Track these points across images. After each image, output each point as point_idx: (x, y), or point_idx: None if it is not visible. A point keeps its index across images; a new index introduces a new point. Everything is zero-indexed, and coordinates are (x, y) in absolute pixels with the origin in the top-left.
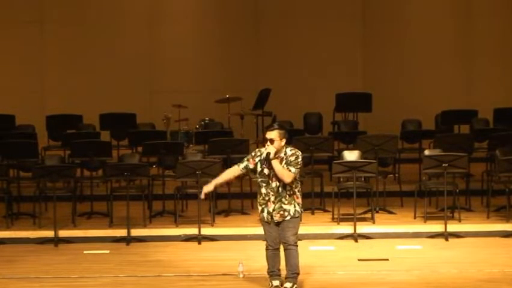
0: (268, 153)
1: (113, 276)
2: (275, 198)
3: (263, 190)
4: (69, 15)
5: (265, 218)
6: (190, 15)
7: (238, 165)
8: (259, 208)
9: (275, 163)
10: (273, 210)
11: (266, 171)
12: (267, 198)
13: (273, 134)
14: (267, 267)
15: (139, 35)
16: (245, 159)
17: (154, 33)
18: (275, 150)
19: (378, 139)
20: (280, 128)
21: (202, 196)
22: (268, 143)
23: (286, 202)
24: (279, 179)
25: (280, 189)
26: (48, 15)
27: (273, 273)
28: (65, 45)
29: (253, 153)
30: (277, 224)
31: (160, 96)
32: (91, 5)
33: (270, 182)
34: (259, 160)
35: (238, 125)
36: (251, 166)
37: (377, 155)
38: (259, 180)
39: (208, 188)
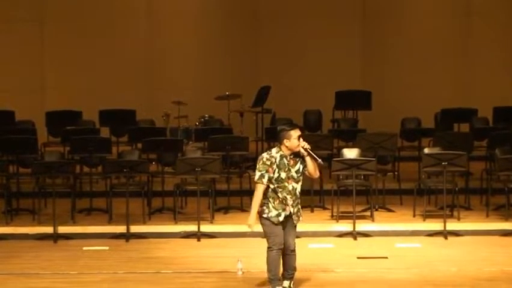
0: (308, 149)
1: (112, 273)
2: (293, 201)
3: (280, 195)
4: (69, 12)
5: (279, 222)
6: (190, 13)
7: (262, 182)
8: (274, 212)
9: (308, 159)
10: (293, 213)
11: (283, 174)
12: (284, 202)
13: (299, 131)
14: (269, 272)
15: (139, 31)
16: (263, 171)
17: (153, 30)
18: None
19: (377, 137)
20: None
21: (251, 228)
22: (301, 139)
23: (299, 204)
24: (295, 181)
25: (297, 190)
26: (48, 13)
27: (275, 277)
28: (65, 42)
29: (267, 162)
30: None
31: (160, 93)
32: (91, 2)
33: (287, 184)
34: (279, 162)
35: (238, 122)
36: (271, 175)
37: (377, 153)
38: (275, 186)
39: (252, 220)
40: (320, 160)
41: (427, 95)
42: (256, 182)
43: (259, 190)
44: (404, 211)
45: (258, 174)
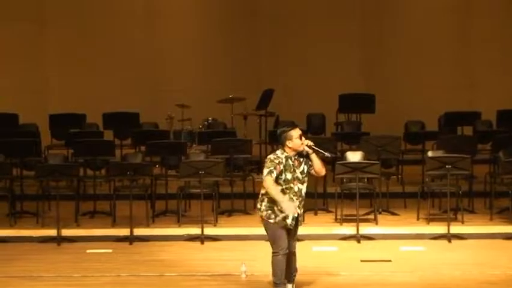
0: (312, 146)
1: (115, 276)
2: (300, 203)
3: (286, 197)
4: (72, 14)
5: (289, 225)
6: (194, 15)
7: (271, 176)
8: (281, 216)
9: (314, 156)
10: (300, 215)
11: (289, 175)
12: None
13: (299, 130)
14: (274, 276)
15: (143, 34)
16: (271, 167)
17: (157, 33)
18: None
19: (381, 140)
20: None
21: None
22: (303, 137)
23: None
24: (300, 182)
25: (303, 191)
26: (51, 15)
27: (281, 282)
28: (68, 44)
29: (275, 160)
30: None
31: (164, 96)
32: (94, 3)
33: (293, 185)
34: (285, 163)
35: (242, 125)
36: (277, 173)
37: (379, 155)
38: (283, 187)
39: (285, 203)
40: (326, 153)
41: (431, 98)
42: (264, 177)
43: (269, 182)
44: (408, 214)
45: (266, 170)
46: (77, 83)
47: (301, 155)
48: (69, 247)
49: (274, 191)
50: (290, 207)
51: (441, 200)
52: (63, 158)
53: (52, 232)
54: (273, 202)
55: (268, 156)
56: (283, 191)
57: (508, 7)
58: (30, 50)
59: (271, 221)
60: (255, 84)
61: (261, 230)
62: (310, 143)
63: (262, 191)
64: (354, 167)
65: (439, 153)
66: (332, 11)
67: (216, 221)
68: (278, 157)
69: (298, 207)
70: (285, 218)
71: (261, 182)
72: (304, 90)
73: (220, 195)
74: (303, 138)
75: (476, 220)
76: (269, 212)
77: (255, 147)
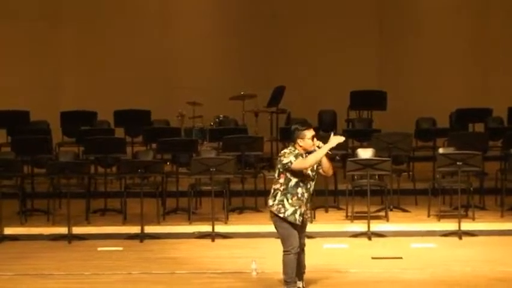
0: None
1: (126, 273)
2: (307, 199)
3: (299, 190)
4: (84, 11)
5: (297, 220)
6: (206, 13)
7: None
8: (290, 209)
9: (324, 157)
10: (305, 211)
11: (308, 170)
12: (302, 198)
13: (313, 131)
14: (285, 275)
15: (154, 32)
16: (294, 156)
17: (169, 30)
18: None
19: (392, 137)
20: None
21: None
22: (315, 139)
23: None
24: (311, 179)
25: (311, 188)
26: (63, 12)
27: (292, 280)
28: (80, 42)
29: (294, 152)
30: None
31: (175, 93)
32: (107, 2)
33: (305, 181)
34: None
35: (253, 122)
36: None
37: (390, 152)
38: (299, 179)
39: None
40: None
41: (442, 95)
42: (294, 162)
43: (299, 160)
44: (419, 211)
45: (292, 158)
46: (89, 80)
47: (311, 153)
48: (80, 245)
49: (313, 155)
50: (336, 138)
51: (452, 197)
52: (74, 155)
53: (63, 230)
54: (285, 195)
55: (283, 151)
56: (297, 185)
57: None
58: (42, 47)
59: (281, 215)
60: (266, 81)
61: (271, 228)
62: (321, 144)
63: (275, 186)
64: (366, 163)
65: (450, 150)
66: (345, 8)
67: (227, 218)
68: (292, 151)
69: (306, 203)
70: (295, 212)
71: (272, 179)
72: (315, 87)
73: (231, 193)
74: (315, 139)
75: (487, 217)
76: (280, 206)
77: (266, 145)
